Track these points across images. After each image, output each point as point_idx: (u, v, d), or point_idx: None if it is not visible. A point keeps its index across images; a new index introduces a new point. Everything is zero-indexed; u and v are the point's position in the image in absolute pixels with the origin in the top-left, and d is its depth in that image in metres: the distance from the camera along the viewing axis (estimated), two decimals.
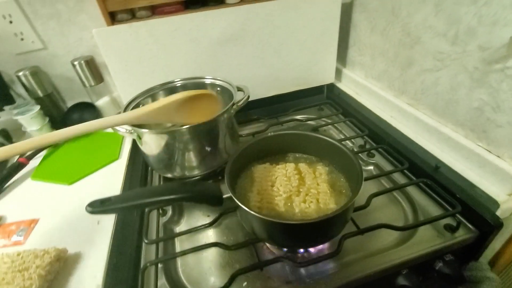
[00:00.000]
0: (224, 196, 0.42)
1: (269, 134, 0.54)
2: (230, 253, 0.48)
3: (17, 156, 0.69)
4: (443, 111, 0.56)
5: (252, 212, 0.37)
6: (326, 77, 0.86)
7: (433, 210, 0.51)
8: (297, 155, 0.57)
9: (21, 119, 0.67)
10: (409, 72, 0.62)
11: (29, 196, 0.58)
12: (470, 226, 0.47)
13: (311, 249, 0.47)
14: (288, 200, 0.46)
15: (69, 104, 0.84)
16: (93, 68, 0.78)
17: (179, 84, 0.66)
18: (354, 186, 0.45)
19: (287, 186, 0.48)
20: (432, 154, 0.57)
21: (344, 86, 0.88)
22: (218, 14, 0.66)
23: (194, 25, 0.65)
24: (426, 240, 0.47)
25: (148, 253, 0.49)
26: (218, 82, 0.65)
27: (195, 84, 0.66)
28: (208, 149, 0.58)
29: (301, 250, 0.47)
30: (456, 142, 0.53)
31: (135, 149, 0.71)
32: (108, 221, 0.50)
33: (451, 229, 0.47)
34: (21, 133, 0.75)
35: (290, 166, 0.52)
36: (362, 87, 0.80)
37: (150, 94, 0.64)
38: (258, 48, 0.74)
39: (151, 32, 0.63)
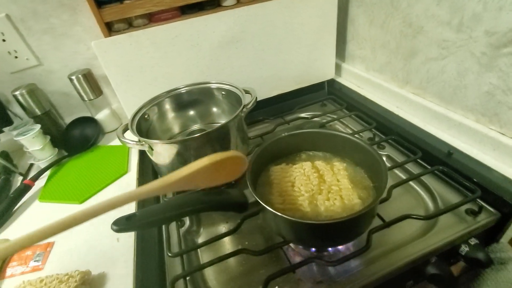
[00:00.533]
0: (250, 201, 0.41)
1: (283, 134, 0.53)
2: (255, 259, 0.47)
3: (22, 178, 0.66)
4: (451, 97, 0.57)
5: (281, 215, 0.36)
6: (326, 73, 0.87)
7: (451, 196, 0.52)
8: (311, 153, 0.56)
9: (23, 140, 0.64)
10: (413, 62, 0.63)
11: (40, 218, 0.56)
12: (490, 209, 0.48)
13: (339, 247, 0.47)
14: (312, 199, 0.46)
15: (68, 120, 0.82)
16: (91, 81, 0.76)
17: (184, 91, 0.65)
18: (377, 179, 0.45)
19: (308, 185, 0.48)
20: (443, 141, 0.58)
21: (345, 80, 0.89)
22: (217, 18, 0.65)
23: (195, 30, 0.64)
24: (449, 227, 0.47)
25: (172, 266, 0.48)
26: (224, 86, 0.64)
27: (201, 89, 0.65)
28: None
29: (329, 248, 0.46)
30: (468, 127, 0.54)
31: (142, 160, 0.69)
32: (128, 237, 0.49)
33: (473, 213, 0.48)
34: (22, 153, 0.73)
35: (307, 165, 0.52)
36: (363, 80, 0.80)
37: (156, 102, 0.63)
38: (258, 49, 0.73)
39: (151, 40, 0.62)
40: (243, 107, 0.56)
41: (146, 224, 0.36)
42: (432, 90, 0.60)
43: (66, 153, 0.73)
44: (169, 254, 0.46)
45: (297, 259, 0.47)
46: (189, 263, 0.48)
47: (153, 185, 0.33)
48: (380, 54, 0.72)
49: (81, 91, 0.75)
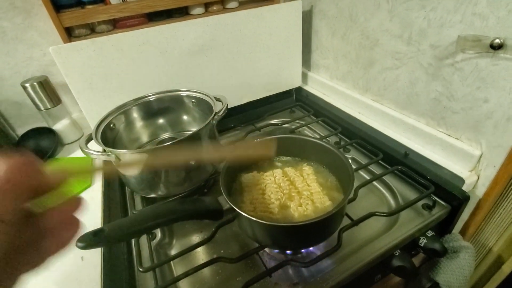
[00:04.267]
0: (224, 208, 0.41)
1: (255, 141, 0.54)
2: (231, 267, 0.47)
3: None
4: (405, 104, 0.63)
5: (257, 220, 0.37)
6: (294, 81, 0.90)
7: (409, 193, 0.57)
8: (284, 158, 0.58)
9: None
10: (371, 71, 0.68)
11: None
12: (442, 202, 0.53)
13: (311, 249, 0.49)
14: (282, 206, 0.47)
15: (20, 131, 0.75)
16: (48, 89, 0.70)
17: (153, 98, 0.63)
18: (344, 181, 0.48)
19: (278, 193, 0.49)
20: (400, 143, 0.63)
21: (311, 88, 0.93)
22: (186, 26, 0.65)
23: (163, 38, 0.64)
24: (409, 221, 0.51)
25: (144, 282, 0.46)
26: (194, 94, 0.64)
27: (171, 97, 0.64)
28: (193, 163, 0.56)
29: (303, 251, 0.48)
30: (420, 130, 0.60)
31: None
32: (94, 255, 0.46)
33: (428, 207, 0.53)
34: None
35: (278, 172, 0.53)
36: (328, 88, 0.85)
37: (123, 110, 0.60)
38: (228, 57, 0.74)
39: (117, 46, 0.60)
40: (215, 115, 0.57)
41: (116, 239, 0.35)
42: (389, 96, 0.66)
43: None
44: (140, 270, 0.43)
45: (273, 263, 0.48)
46: (163, 277, 0.46)
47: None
48: (342, 64, 0.77)
49: (36, 99, 0.70)
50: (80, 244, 0.34)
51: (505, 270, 0.57)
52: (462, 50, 0.48)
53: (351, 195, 0.52)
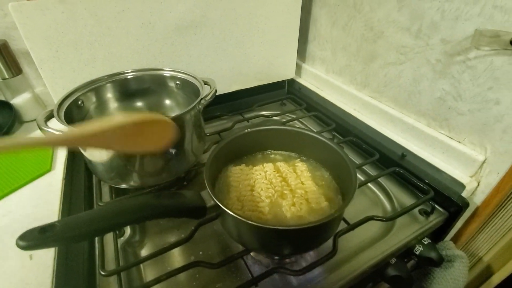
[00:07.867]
0: (208, 205, 0.35)
1: (247, 130, 0.48)
2: (210, 272, 0.41)
3: None
4: (405, 102, 0.59)
5: (249, 222, 0.31)
6: (287, 71, 0.85)
7: (405, 196, 0.54)
8: (274, 152, 0.53)
9: None
10: (371, 66, 0.64)
11: None
12: (440, 209, 0.50)
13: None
14: (273, 205, 0.42)
15: None
16: (7, 56, 0.60)
17: (131, 76, 0.56)
18: (343, 181, 0.43)
19: (269, 189, 0.44)
20: (397, 144, 0.60)
21: (304, 81, 0.88)
22: None
23: (147, 7, 0.55)
24: (405, 227, 0.48)
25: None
26: (179, 75, 0.56)
27: (152, 77, 0.57)
28: (173, 151, 0.49)
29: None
30: (420, 130, 0.57)
31: (73, 156, 0.57)
32: (46, 253, 0.38)
33: (426, 213, 0.49)
34: None
35: (269, 167, 0.48)
36: (323, 81, 0.81)
37: (93, 87, 0.52)
38: (220, 38, 0.67)
39: (91, 10, 0.51)
40: (201, 99, 0.50)
41: (70, 238, 0.28)
42: (389, 94, 0.62)
43: None
44: (102, 273, 0.36)
45: (258, 268, 0.43)
46: (129, 283, 0.40)
47: (56, 136, 0.27)
48: (340, 56, 0.72)
49: None
50: (21, 243, 0.27)
51: (494, 280, 0.56)
52: (476, 46, 0.44)
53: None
